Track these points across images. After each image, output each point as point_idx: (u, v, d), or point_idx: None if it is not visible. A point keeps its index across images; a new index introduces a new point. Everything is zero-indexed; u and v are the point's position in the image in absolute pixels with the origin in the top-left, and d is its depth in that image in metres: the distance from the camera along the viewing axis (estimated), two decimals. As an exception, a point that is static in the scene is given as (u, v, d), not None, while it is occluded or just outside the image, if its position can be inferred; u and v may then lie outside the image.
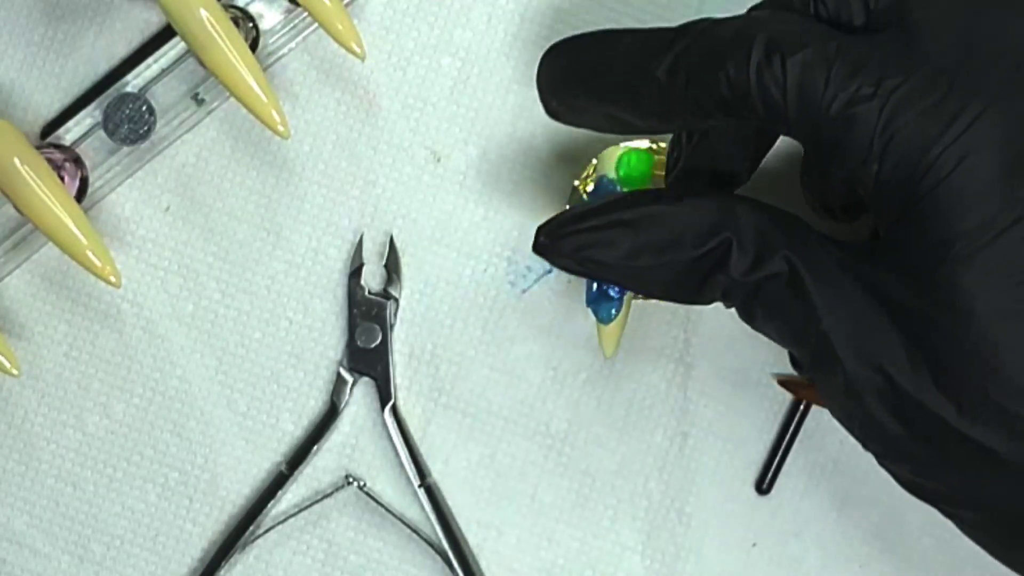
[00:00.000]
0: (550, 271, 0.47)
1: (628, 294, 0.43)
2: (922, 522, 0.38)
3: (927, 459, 0.35)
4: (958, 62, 0.33)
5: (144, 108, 0.45)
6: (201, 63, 0.43)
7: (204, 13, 0.42)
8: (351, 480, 0.47)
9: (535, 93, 0.40)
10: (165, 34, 0.46)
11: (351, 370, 0.47)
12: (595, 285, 0.43)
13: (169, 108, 0.46)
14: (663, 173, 0.41)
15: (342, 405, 0.47)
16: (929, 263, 0.33)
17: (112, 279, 0.43)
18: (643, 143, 0.43)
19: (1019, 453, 0.33)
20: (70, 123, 0.46)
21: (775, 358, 0.46)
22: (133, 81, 0.45)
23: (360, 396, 0.47)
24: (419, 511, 0.47)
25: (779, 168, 0.43)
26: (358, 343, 0.47)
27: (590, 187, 0.43)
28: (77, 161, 0.46)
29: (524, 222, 0.47)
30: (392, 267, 0.47)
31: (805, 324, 0.35)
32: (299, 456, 0.47)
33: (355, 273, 0.47)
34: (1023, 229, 0.32)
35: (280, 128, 0.43)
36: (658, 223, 0.37)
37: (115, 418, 0.47)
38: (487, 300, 0.47)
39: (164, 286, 0.47)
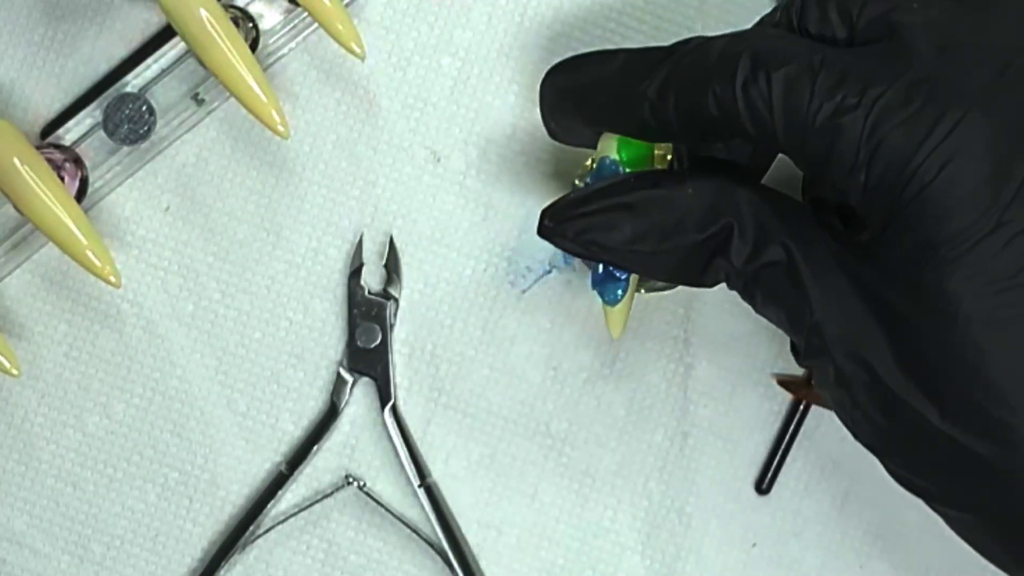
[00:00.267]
0: (550, 271, 0.47)
1: (634, 275, 0.43)
2: (922, 522, 0.38)
3: (913, 456, 0.35)
4: (941, 69, 0.33)
5: (144, 108, 0.45)
6: (201, 63, 0.43)
7: (204, 13, 0.42)
8: (351, 480, 0.47)
9: (535, 93, 0.40)
10: (165, 34, 0.46)
11: (351, 370, 0.47)
12: (600, 267, 0.42)
13: (169, 108, 0.46)
14: (663, 153, 0.41)
15: (342, 405, 0.47)
16: (915, 267, 0.33)
17: (112, 279, 0.43)
18: None
19: (1002, 457, 0.33)
20: (70, 123, 0.46)
21: (775, 358, 0.46)
22: (133, 81, 0.45)
23: (360, 396, 0.47)
24: (419, 511, 0.47)
25: (780, 166, 0.43)
26: (358, 343, 0.47)
27: (593, 165, 0.43)
28: (77, 161, 0.46)
29: (524, 222, 0.47)
30: (392, 267, 0.47)
31: (800, 313, 0.36)
32: (299, 456, 0.47)
33: (355, 273, 0.47)
34: (1004, 235, 0.32)
35: (280, 128, 0.43)
36: (659, 207, 0.37)
37: (115, 418, 0.47)
38: (487, 300, 0.47)
39: (164, 286, 0.47)
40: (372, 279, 0.47)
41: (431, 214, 0.47)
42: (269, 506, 0.47)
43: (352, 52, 0.43)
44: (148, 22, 0.47)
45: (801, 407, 0.46)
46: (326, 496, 0.47)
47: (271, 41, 0.46)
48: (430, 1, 0.47)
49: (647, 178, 0.39)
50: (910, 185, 0.33)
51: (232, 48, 0.42)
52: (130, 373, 0.47)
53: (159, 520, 0.47)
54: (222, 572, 0.47)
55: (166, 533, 0.47)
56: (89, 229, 0.43)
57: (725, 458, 0.47)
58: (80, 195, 0.45)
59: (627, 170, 0.41)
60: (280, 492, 0.47)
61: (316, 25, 0.45)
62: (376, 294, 0.47)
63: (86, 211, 0.44)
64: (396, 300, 0.47)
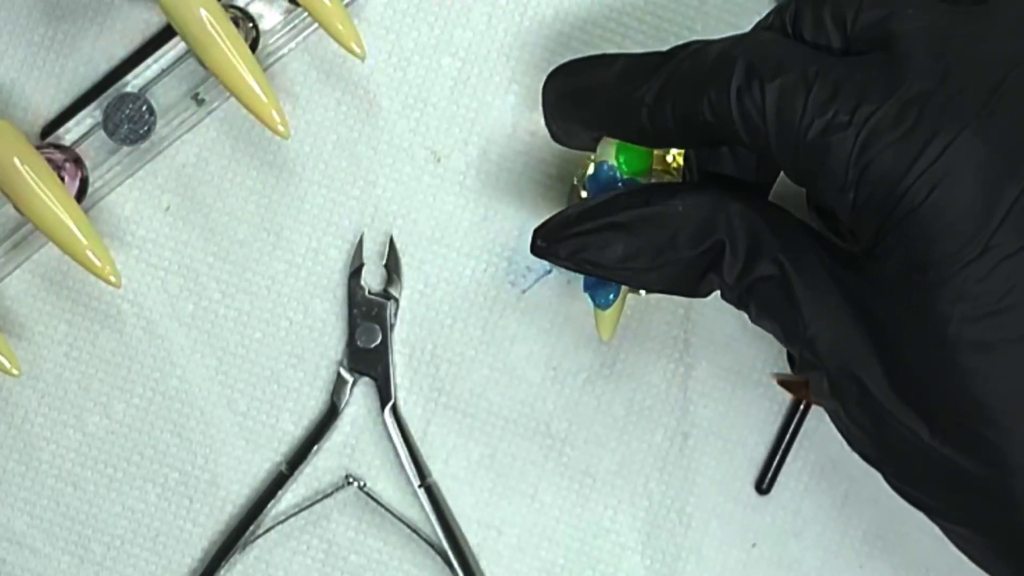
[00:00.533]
0: (550, 271, 0.47)
1: None
2: (922, 522, 0.38)
3: (906, 470, 0.35)
4: (934, 87, 0.33)
5: (144, 108, 0.45)
6: (201, 63, 0.43)
7: (204, 13, 0.42)
8: (351, 480, 0.47)
9: (535, 93, 0.40)
10: (165, 34, 0.46)
11: (351, 370, 0.47)
12: None
13: (169, 108, 0.46)
14: (662, 154, 0.41)
15: (342, 405, 0.47)
16: (904, 287, 0.33)
17: (112, 279, 0.43)
18: None
19: (991, 476, 0.33)
20: (70, 123, 0.46)
21: (775, 358, 0.46)
22: (133, 81, 0.45)
23: (360, 396, 0.47)
24: (419, 511, 0.47)
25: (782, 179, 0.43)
26: (358, 343, 0.47)
27: (590, 170, 0.43)
28: (77, 161, 0.45)
29: (524, 222, 0.47)
30: (392, 267, 0.47)
31: (794, 326, 0.36)
32: (299, 456, 0.47)
33: (355, 273, 0.47)
34: (991, 259, 0.32)
35: (280, 128, 0.43)
36: (652, 224, 0.37)
37: (115, 418, 0.47)
38: (487, 300, 0.47)
39: (164, 286, 0.47)
40: (372, 279, 0.47)
41: (431, 214, 0.47)
42: (269, 506, 0.47)
43: (352, 52, 0.43)
44: (148, 22, 0.47)
45: (801, 407, 0.46)
46: (326, 496, 0.47)
47: (271, 41, 0.46)
48: (430, 1, 0.47)
49: (639, 195, 0.38)
50: (899, 206, 0.33)
51: (232, 48, 0.42)
52: (130, 373, 0.47)
53: (159, 520, 0.47)
54: (222, 572, 0.47)
55: (166, 533, 0.47)
56: (89, 229, 0.43)
57: (725, 458, 0.47)
58: (80, 195, 0.45)
59: (625, 175, 0.41)
60: (280, 492, 0.47)
61: (316, 25, 0.45)
62: (376, 294, 0.47)
63: (86, 211, 0.44)
64: (396, 300, 0.47)
